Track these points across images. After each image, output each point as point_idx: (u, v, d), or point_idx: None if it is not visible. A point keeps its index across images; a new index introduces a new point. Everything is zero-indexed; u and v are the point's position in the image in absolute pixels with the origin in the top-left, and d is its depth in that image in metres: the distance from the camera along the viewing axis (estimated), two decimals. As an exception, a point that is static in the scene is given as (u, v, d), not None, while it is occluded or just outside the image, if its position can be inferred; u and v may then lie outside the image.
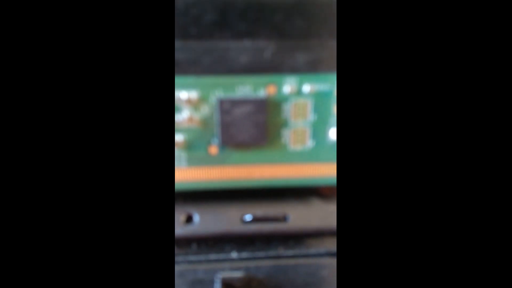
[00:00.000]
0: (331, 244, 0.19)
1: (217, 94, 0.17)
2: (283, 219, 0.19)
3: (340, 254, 0.10)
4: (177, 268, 0.18)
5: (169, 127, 0.10)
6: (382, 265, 0.10)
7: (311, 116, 0.18)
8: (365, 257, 0.10)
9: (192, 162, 0.18)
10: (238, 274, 0.18)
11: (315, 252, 0.19)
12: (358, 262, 0.10)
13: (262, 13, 0.16)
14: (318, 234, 0.19)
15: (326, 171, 0.19)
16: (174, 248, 0.18)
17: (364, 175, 0.10)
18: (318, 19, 0.16)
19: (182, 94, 0.17)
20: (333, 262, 0.19)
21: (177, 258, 0.18)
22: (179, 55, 0.17)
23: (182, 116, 0.17)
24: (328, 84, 0.17)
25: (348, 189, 0.10)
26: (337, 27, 0.11)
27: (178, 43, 0.16)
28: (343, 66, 0.10)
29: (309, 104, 0.18)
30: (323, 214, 0.19)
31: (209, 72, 0.17)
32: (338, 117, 0.11)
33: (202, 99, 0.17)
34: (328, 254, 0.19)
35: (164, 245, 0.10)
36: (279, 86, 0.17)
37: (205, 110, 0.17)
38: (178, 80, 0.17)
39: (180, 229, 0.19)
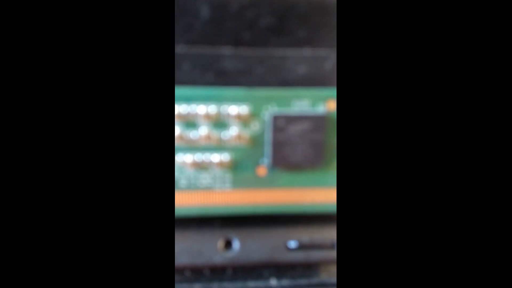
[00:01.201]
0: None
1: (271, 109, 0.15)
2: (331, 246, 0.17)
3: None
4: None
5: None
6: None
7: (375, 136, 0.16)
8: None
9: (238, 184, 0.16)
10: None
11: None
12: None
13: (325, 18, 0.14)
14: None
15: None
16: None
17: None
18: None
19: (231, 109, 0.15)
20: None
21: (211, 285, 0.17)
22: (228, 64, 0.15)
23: (229, 133, 0.15)
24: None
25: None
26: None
27: (228, 50, 0.15)
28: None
29: (374, 123, 0.16)
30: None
31: (262, 84, 0.15)
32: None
33: (253, 115, 0.15)
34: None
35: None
36: (342, 102, 0.15)
37: (255, 126, 0.15)
38: (227, 92, 0.15)
39: (219, 256, 0.17)
